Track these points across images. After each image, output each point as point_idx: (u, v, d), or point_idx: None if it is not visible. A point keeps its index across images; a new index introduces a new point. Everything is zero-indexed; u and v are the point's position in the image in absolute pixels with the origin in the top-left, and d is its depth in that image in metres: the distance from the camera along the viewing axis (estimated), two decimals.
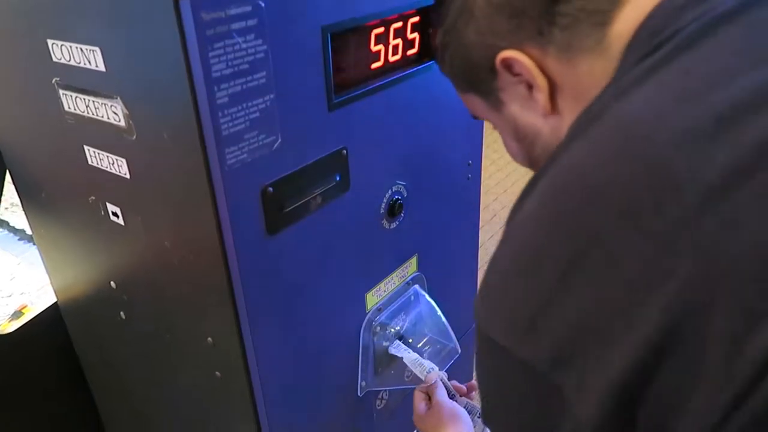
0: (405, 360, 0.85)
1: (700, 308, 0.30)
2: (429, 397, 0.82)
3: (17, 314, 1.08)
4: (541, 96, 0.48)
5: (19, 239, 1.23)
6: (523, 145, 0.54)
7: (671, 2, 0.40)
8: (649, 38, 0.39)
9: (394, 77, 0.71)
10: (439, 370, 0.84)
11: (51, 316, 1.00)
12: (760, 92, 0.32)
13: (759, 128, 0.31)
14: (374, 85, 0.69)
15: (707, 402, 0.30)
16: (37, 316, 1.01)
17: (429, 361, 0.85)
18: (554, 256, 0.35)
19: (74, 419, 1.11)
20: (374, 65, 0.69)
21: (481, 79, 0.51)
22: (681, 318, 0.30)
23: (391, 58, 0.71)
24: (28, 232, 1.13)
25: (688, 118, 0.33)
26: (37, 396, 1.05)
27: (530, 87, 0.48)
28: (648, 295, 0.31)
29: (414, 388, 0.85)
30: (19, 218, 1.23)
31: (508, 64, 0.48)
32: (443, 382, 0.83)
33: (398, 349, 0.87)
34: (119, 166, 0.65)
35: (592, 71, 0.44)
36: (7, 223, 1.26)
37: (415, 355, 0.85)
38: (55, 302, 1.00)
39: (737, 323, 0.29)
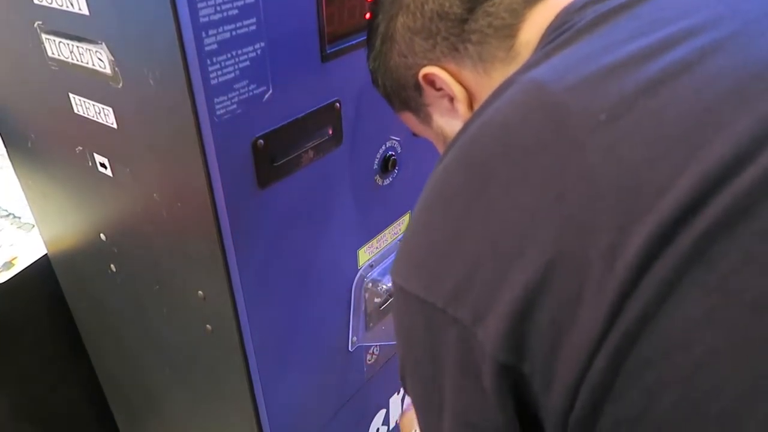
0: None
1: (586, 229, 0.32)
2: None
3: (7, 265, 1.07)
4: (461, 106, 0.52)
5: None
6: None
7: (571, 6, 0.44)
8: (551, 33, 0.44)
9: None
10: None
11: (41, 268, 1.00)
12: (640, 53, 0.36)
13: (639, 75, 0.35)
14: None
15: (589, 318, 0.31)
16: (27, 267, 1.00)
17: None
18: (454, 196, 0.39)
19: (66, 369, 1.12)
20: (369, 14, 0.66)
21: (409, 96, 0.56)
22: (570, 240, 0.33)
23: None
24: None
25: (582, 72, 0.37)
26: (28, 346, 1.05)
27: (452, 99, 0.53)
28: (540, 220, 0.34)
29: None
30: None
31: (429, 80, 0.53)
32: None
33: None
34: (106, 115, 0.64)
35: (505, 77, 0.46)
36: None
37: None
38: (46, 254, 0.99)
39: (613, 239, 0.31)
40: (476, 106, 0.50)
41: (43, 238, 0.96)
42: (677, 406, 0.30)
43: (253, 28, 0.53)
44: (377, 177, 0.78)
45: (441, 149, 0.59)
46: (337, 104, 0.66)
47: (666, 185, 0.31)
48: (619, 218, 0.32)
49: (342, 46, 0.64)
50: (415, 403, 0.45)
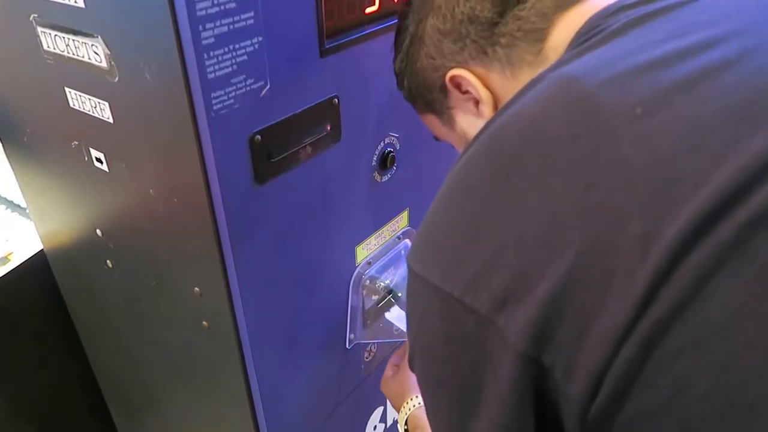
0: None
1: (617, 218, 0.32)
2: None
3: (3, 261, 1.07)
4: (487, 109, 0.52)
5: None
6: None
7: (603, 11, 0.44)
8: (582, 37, 0.44)
9: (390, 22, 0.68)
10: None
11: (38, 263, 0.99)
12: (678, 52, 0.36)
13: (676, 72, 0.35)
14: (368, 31, 0.66)
15: (618, 306, 0.31)
16: (23, 263, 0.99)
17: None
18: (479, 183, 0.38)
19: (62, 365, 1.11)
20: (369, 9, 0.66)
21: (434, 98, 0.57)
22: (600, 229, 0.32)
23: (387, 3, 0.67)
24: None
25: (614, 70, 0.37)
26: (24, 341, 1.05)
27: (477, 103, 0.53)
28: (569, 209, 0.34)
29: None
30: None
31: (456, 83, 0.53)
32: None
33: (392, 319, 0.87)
34: (102, 110, 0.63)
35: None
36: None
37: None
38: (42, 249, 0.99)
39: (645, 228, 0.31)
40: None
41: (39, 233, 0.96)
42: (707, 398, 0.29)
43: (251, 22, 0.52)
44: (376, 173, 0.77)
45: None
46: (336, 100, 0.65)
47: (705, 176, 0.31)
48: (653, 207, 0.31)
49: (341, 41, 0.63)
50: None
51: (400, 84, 0.60)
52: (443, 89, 0.55)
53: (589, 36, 0.43)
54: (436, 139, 0.64)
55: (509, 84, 0.50)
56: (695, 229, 0.30)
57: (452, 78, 0.53)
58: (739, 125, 0.32)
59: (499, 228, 0.36)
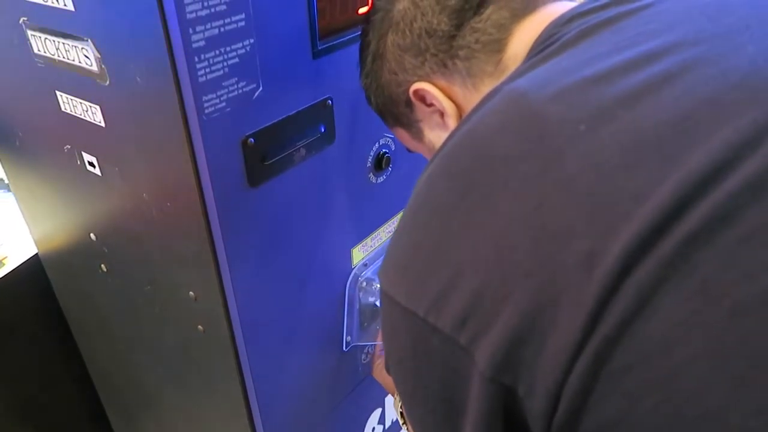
0: None
1: (563, 237, 0.32)
2: None
3: None
4: (451, 121, 0.53)
5: None
6: None
7: (558, 19, 0.45)
8: (538, 47, 0.44)
9: None
10: None
11: (32, 267, 0.99)
12: (622, 66, 0.37)
13: (619, 87, 0.35)
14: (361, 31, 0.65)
15: (568, 324, 0.31)
16: (17, 266, 0.99)
17: None
18: (437, 204, 0.39)
19: (58, 368, 1.10)
20: (362, 10, 0.65)
21: (401, 113, 0.57)
22: (547, 249, 0.33)
23: None
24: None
25: (563, 83, 0.37)
26: (20, 345, 1.04)
27: (442, 115, 0.53)
28: (518, 230, 0.34)
29: None
30: None
31: (420, 96, 0.53)
32: None
33: None
34: (93, 114, 0.62)
35: None
36: None
37: None
38: (36, 253, 0.98)
39: (590, 245, 0.32)
40: None
41: (33, 237, 0.95)
42: (657, 410, 0.30)
43: (242, 24, 0.52)
44: (371, 175, 0.77)
45: None
46: (329, 101, 0.65)
47: (644, 192, 0.31)
48: (597, 224, 0.32)
49: (334, 42, 0.62)
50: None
51: (368, 99, 0.61)
52: (408, 103, 0.55)
53: (545, 45, 0.43)
54: (409, 150, 0.64)
55: (471, 95, 0.51)
56: (638, 245, 0.30)
57: (416, 92, 0.53)
58: (679, 139, 0.32)
59: (457, 248, 0.37)
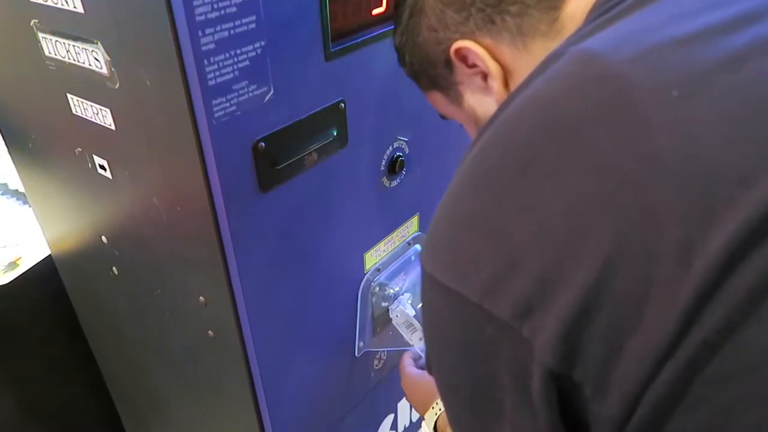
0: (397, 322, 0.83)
1: (653, 221, 0.28)
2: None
3: (12, 265, 1.06)
4: (496, 83, 0.48)
5: (2, 193, 1.19)
6: None
7: None
8: (604, 5, 0.39)
9: None
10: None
11: (46, 268, 0.99)
12: (717, 26, 0.32)
13: (719, 49, 0.31)
14: (376, 33, 0.64)
15: (657, 323, 0.28)
16: (31, 268, 0.99)
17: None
18: (493, 177, 0.35)
19: (72, 369, 1.11)
20: (376, 11, 0.64)
21: (439, 74, 0.52)
22: (633, 232, 0.29)
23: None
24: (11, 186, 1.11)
25: (643, 44, 0.32)
26: (34, 346, 1.04)
27: (485, 77, 0.49)
28: (597, 208, 0.30)
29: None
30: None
31: (462, 56, 0.49)
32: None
33: (398, 314, 0.85)
34: (104, 117, 0.62)
35: (547, 53, 0.42)
36: None
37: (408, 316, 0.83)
38: (50, 254, 0.98)
39: (685, 233, 0.28)
40: (512, 84, 0.47)
41: (46, 238, 0.95)
42: (757, 428, 0.27)
43: (253, 26, 0.51)
44: (384, 179, 0.75)
45: (472, 131, 0.56)
46: (342, 104, 0.64)
47: (753, 173, 0.27)
48: (693, 209, 0.28)
49: (347, 44, 0.61)
50: (441, 390, 0.42)
51: (401, 60, 0.56)
52: (448, 64, 0.50)
53: (612, 4, 0.38)
54: (443, 117, 0.60)
55: (521, 56, 0.46)
56: (746, 236, 0.26)
57: (457, 51, 0.48)
58: None
59: (517, 227, 0.33)
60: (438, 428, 0.72)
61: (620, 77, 0.31)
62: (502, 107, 0.38)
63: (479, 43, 0.47)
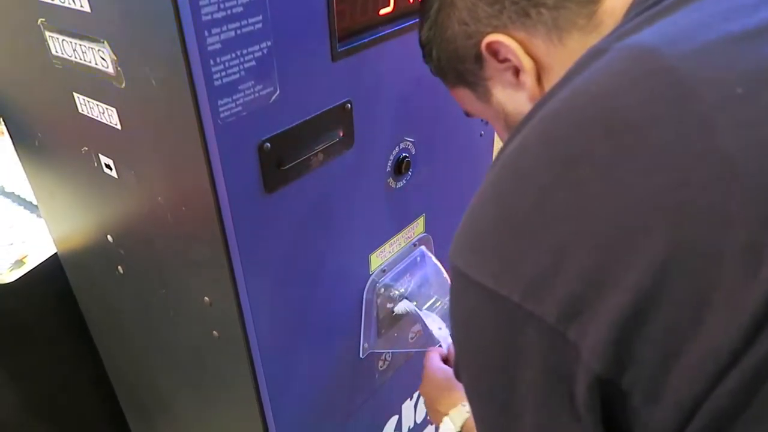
0: (415, 314, 0.82)
1: (718, 221, 0.27)
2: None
3: (18, 263, 1.07)
4: (529, 79, 0.47)
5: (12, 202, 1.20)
6: None
7: None
8: (645, 2, 0.38)
9: (405, 24, 0.66)
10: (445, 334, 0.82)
11: (52, 266, 0.99)
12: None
13: None
14: (382, 33, 0.64)
15: (720, 329, 0.27)
16: (37, 266, 0.99)
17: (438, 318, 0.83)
18: (538, 173, 0.33)
19: (77, 366, 1.11)
20: (383, 11, 0.63)
21: (467, 69, 0.51)
22: (695, 233, 0.28)
23: (402, 3, 0.65)
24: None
25: (699, 40, 0.31)
26: (40, 343, 1.04)
27: (517, 72, 0.48)
28: (655, 207, 0.29)
29: (422, 351, 0.83)
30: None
31: (493, 50, 0.47)
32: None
33: (406, 306, 0.84)
34: (110, 116, 0.62)
35: (585, 48, 0.41)
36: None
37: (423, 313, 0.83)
38: (56, 253, 0.98)
39: (753, 236, 0.26)
40: (545, 79, 0.46)
41: (52, 236, 0.95)
42: None
43: (259, 26, 0.51)
44: (390, 179, 0.75)
45: (500, 128, 0.55)
46: (349, 105, 0.63)
47: None
48: (761, 210, 0.27)
49: (354, 44, 0.61)
50: (469, 394, 0.41)
51: (427, 55, 0.55)
52: (478, 58, 0.49)
53: (653, 2, 0.37)
54: (467, 114, 0.59)
55: (555, 51, 0.45)
56: None
57: (489, 45, 0.47)
58: None
59: (563, 224, 0.31)
60: (465, 429, 0.69)
61: (679, 72, 0.30)
62: (541, 103, 0.37)
63: (512, 37, 0.46)
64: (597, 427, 0.32)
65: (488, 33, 0.47)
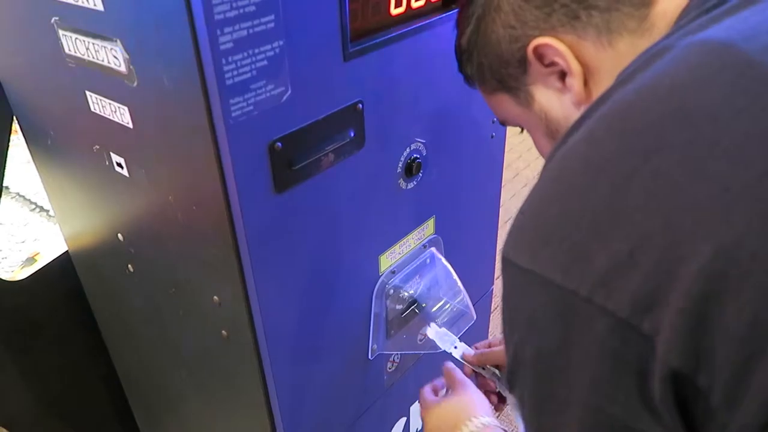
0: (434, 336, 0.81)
1: None
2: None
3: (30, 261, 1.07)
4: (576, 82, 0.46)
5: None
6: (556, 141, 0.50)
7: None
8: (703, 4, 0.38)
9: (417, 25, 0.65)
10: (455, 335, 0.81)
11: (63, 264, 0.99)
12: None
13: None
14: (395, 33, 0.63)
15: None
16: (48, 263, 1.00)
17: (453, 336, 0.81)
18: (609, 164, 0.33)
19: (87, 364, 1.11)
20: (395, 11, 0.63)
21: (510, 74, 0.50)
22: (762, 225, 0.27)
23: (414, 4, 0.65)
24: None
25: None
26: (50, 341, 1.05)
27: (563, 77, 0.47)
28: (735, 197, 0.29)
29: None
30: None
31: (540, 54, 0.47)
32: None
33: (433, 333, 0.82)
34: (122, 115, 0.62)
35: (635, 51, 0.41)
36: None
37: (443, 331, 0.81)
38: (67, 251, 0.99)
39: None
40: (593, 83, 0.46)
41: (63, 234, 0.96)
42: None
43: (272, 25, 0.50)
44: (401, 180, 0.74)
45: (539, 135, 0.54)
46: (360, 105, 0.63)
47: None
48: None
49: (366, 44, 0.61)
50: (530, 404, 0.39)
51: (466, 61, 0.54)
52: (522, 62, 0.48)
53: (716, 2, 0.37)
54: (503, 123, 0.58)
55: (605, 53, 0.44)
56: None
57: (536, 48, 0.46)
58: None
59: (639, 216, 0.31)
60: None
61: (757, 66, 0.30)
62: (603, 99, 0.37)
63: (561, 40, 0.45)
64: (676, 421, 0.31)
65: (536, 36, 0.46)
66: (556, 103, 0.49)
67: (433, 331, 0.81)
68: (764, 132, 0.29)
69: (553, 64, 0.47)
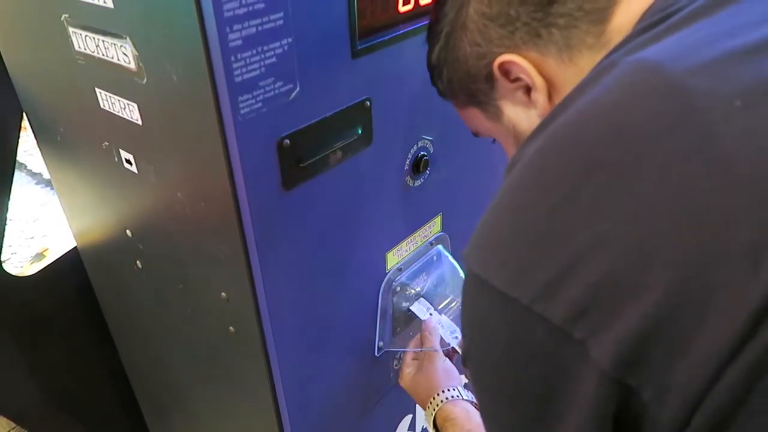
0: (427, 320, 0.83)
1: (721, 224, 0.29)
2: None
3: (39, 256, 1.08)
4: (541, 97, 0.48)
5: (36, 183, 1.22)
6: None
7: None
8: (652, 17, 0.40)
9: (425, 22, 0.65)
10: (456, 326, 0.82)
11: (71, 260, 1.00)
12: None
13: None
14: (403, 31, 0.63)
15: (721, 325, 0.28)
16: (57, 259, 1.00)
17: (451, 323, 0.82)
18: (554, 181, 0.35)
19: (95, 360, 1.12)
20: (403, 8, 0.63)
21: (478, 89, 0.52)
22: (700, 236, 0.29)
23: (422, 1, 0.65)
24: (46, 176, 1.12)
25: (702, 56, 0.33)
26: (58, 336, 1.06)
27: (528, 91, 0.49)
28: (663, 214, 0.30)
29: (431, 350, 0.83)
30: (37, 161, 1.22)
31: (505, 70, 0.49)
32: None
33: (420, 311, 0.84)
34: (131, 111, 0.62)
35: (593, 66, 0.43)
36: (25, 166, 1.25)
37: (438, 318, 0.83)
38: (75, 246, 0.99)
39: (755, 236, 0.28)
40: (556, 97, 0.48)
41: (72, 230, 0.96)
42: None
43: (280, 23, 0.51)
44: (408, 178, 0.75)
45: (509, 146, 0.56)
46: (368, 102, 0.63)
47: None
48: (759, 215, 0.28)
49: (374, 42, 0.61)
50: (478, 389, 0.42)
51: (437, 77, 0.56)
52: (489, 78, 0.50)
53: (663, 17, 0.39)
54: (476, 135, 0.60)
55: (566, 69, 0.46)
56: None
57: (501, 65, 0.48)
58: None
59: (578, 231, 0.33)
60: (437, 425, 0.73)
61: (682, 87, 0.32)
62: (554, 115, 0.38)
63: (524, 57, 0.47)
64: (604, 427, 0.33)
65: (500, 53, 0.48)
66: (524, 116, 0.51)
67: (434, 320, 0.82)
68: (684, 150, 0.31)
69: (518, 79, 0.49)
